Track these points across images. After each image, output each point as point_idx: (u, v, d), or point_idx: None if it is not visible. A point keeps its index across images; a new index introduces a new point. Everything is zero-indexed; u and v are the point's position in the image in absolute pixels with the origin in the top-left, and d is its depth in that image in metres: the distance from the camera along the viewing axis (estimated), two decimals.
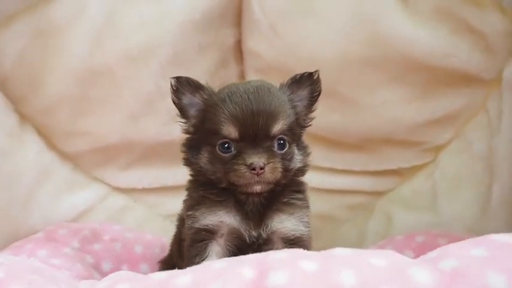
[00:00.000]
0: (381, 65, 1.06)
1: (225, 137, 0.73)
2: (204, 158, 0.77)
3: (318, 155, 1.24)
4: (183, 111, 0.79)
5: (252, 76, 1.19)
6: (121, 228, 1.12)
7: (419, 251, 0.98)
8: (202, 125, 0.76)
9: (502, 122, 1.02)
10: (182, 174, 0.85)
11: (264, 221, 0.76)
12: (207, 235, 0.75)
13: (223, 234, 0.75)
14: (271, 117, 0.73)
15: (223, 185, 0.75)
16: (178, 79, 0.77)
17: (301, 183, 0.81)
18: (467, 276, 0.48)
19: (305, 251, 0.58)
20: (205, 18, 1.10)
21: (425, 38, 1.02)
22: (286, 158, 0.75)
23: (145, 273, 1.00)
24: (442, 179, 1.14)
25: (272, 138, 0.73)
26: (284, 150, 0.75)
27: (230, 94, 0.75)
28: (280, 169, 0.73)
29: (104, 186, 1.21)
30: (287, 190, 0.78)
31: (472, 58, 1.02)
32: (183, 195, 0.84)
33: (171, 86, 0.77)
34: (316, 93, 0.80)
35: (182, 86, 0.77)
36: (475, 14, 1.00)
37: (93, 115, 1.10)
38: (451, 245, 0.58)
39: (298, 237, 0.77)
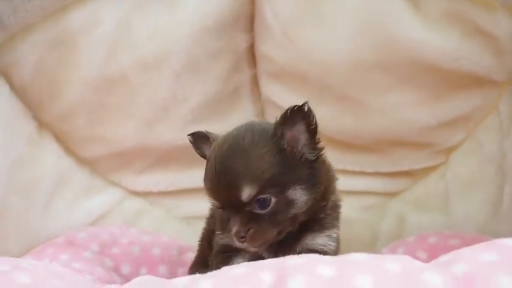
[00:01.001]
0: (391, 68, 1.07)
1: (214, 204, 0.74)
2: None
3: (330, 157, 1.26)
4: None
5: (265, 80, 1.21)
6: (138, 232, 1.14)
7: (431, 252, 0.99)
8: None
9: None
10: (199, 177, 0.85)
11: (288, 250, 0.74)
12: (232, 249, 0.75)
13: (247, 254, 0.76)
14: (236, 185, 0.68)
15: None
16: (193, 135, 0.80)
17: (326, 214, 0.79)
18: (478, 281, 0.50)
19: (322, 256, 0.59)
20: (218, 24, 1.12)
21: (436, 41, 1.03)
22: (279, 211, 0.70)
23: (163, 275, 1.03)
24: (453, 181, 1.15)
25: (248, 203, 0.69)
26: (268, 208, 0.69)
27: (209, 157, 0.73)
28: (267, 229, 0.70)
29: (120, 190, 1.23)
30: (310, 223, 0.75)
31: (482, 60, 1.03)
32: (199, 198, 0.82)
33: (190, 142, 0.80)
34: (313, 126, 0.72)
35: (197, 140, 0.80)
36: (485, 17, 1.00)
37: (109, 121, 1.12)
38: (463, 248, 0.59)
39: (324, 252, 0.75)
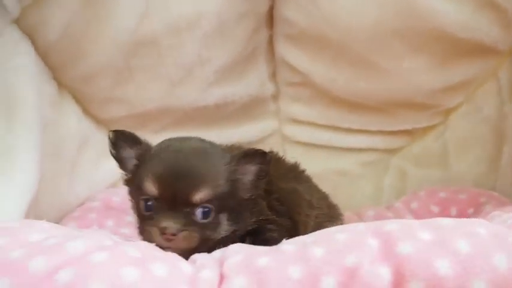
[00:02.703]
0: (409, 36, 1.13)
1: (146, 194, 0.71)
2: (134, 211, 0.76)
3: (337, 117, 1.34)
4: (121, 163, 0.78)
5: (281, 42, 1.23)
6: None
7: (443, 206, 1.11)
8: (134, 178, 0.75)
9: None
10: (210, 136, 0.87)
11: None
12: None
13: None
14: (195, 184, 0.69)
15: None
16: (116, 133, 0.77)
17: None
18: None
19: (416, 221, 0.66)
20: None
21: (452, 12, 1.09)
22: (209, 228, 0.72)
23: None
24: (451, 139, 1.27)
25: (194, 205, 0.70)
26: (207, 219, 0.71)
27: (161, 150, 0.74)
28: (196, 238, 0.70)
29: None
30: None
31: (491, 31, 1.11)
32: None
33: (109, 139, 0.77)
34: (263, 173, 0.75)
35: (120, 140, 0.77)
36: None
37: (133, 83, 1.11)
38: None
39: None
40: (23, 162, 0.85)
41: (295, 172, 0.95)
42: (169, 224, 0.67)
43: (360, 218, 1.16)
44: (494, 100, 1.19)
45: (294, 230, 0.80)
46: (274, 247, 0.66)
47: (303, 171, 0.98)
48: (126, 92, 1.12)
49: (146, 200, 0.71)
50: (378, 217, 1.11)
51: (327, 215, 0.97)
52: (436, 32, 1.12)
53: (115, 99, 1.13)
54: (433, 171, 1.28)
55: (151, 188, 0.70)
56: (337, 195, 1.12)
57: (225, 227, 0.74)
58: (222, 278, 0.61)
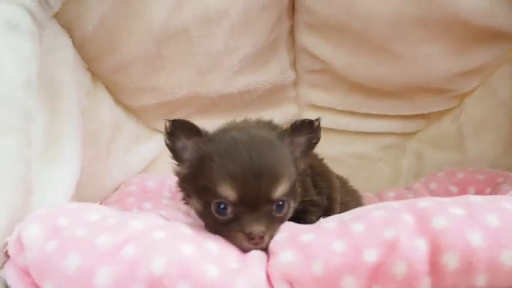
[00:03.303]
0: (430, 23, 1.16)
1: (222, 198, 0.67)
2: (196, 208, 0.74)
3: (356, 102, 1.39)
4: (176, 154, 0.74)
5: (302, 31, 1.27)
6: None
7: (461, 186, 1.15)
8: (197, 174, 0.71)
9: None
10: None
11: None
12: None
13: None
14: (275, 179, 0.67)
15: None
16: (173, 122, 0.72)
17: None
18: None
19: (444, 198, 0.71)
20: None
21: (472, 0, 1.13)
22: (284, 218, 0.72)
23: None
24: (467, 122, 1.31)
25: (273, 201, 0.69)
26: (283, 212, 0.70)
27: (228, 148, 0.69)
28: (276, 232, 0.68)
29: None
30: None
31: (508, 17, 1.15)
32: None
33: (165, 128, 0.72)
34: (315, 141, 0.75)
35: (177, 130, 0.72)
36: None
37: (164, 72, 1.15)
38: None
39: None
40: (68, 150, 0.90)
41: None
42: (255, 228, 0.66)
43: (381, 199, 1.21)
44: (509, 83, 1.23)
45: (329, 208, 0.85)
46: (315, 225, 0.71)
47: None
48: (157, 80, 1.16)
49: (220, 203, 0.68)
50: (399, 198, 1.16)
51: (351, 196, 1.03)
52: (454, 20, 1.16)
53: (146, 88, 1.17)
54: (449, 153, 1.33)
55: (229, 192, 0.67)
56: (357, 178, 1.18)
57: (291, 210, 0.74)
58: (269, 255, 0.66)
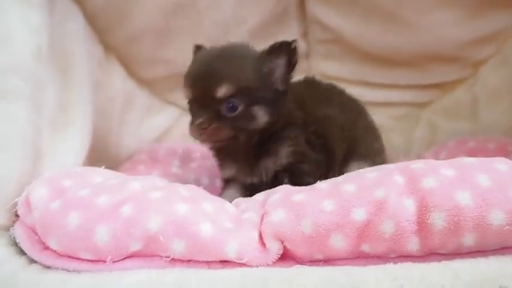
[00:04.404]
0: None
1: (185, 96, 0.82)
2: None
3: (368, 72, 1.38)
4: None
5: (312, 3, 1.27)
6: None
7: (471, 155, 1.12)
8: None
9: None
10: None
11: (255, 168, 0.85)
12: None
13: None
14: (215, 81, 0.76)
15: None
16: (197, 47, 0.88)
17: (285, 133, 0.85)
18: None
19: (437, 161, 0.71)
20: None
21: None
22: (241, 120, 0.78)
23: None
24: (481, 91, 1.29)
25: (219, 101, 0.76)
26: (235, 113, 0.77)
27: (196, 56, 0.82)
28: (227, 130, 0.78)
29: (176, 108, 1.32)
30: (273, 138, 0.84)
31: None
32: None
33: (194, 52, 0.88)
34: (293, 62, 0.81)
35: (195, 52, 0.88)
36: None
37: (174, 43, 1.18)
38: None
39: (290, 164, 0.85)
40: (79, 118, 0.93)
41: (327, 93, 1.00)
42: (200, 119, 0.76)
43: None
44: None
45: (330, 160, 0.88)
46: (309, 186, 0.72)
47: (340, 92, 1.03)
48: (167, 52, 1.19)
49: (188, 102, 0.81)
50: None
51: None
52: None
53: (157, 60, 1.20)
54: (462, 123, 1.31)
55: (185, 90, 0.80)
56: None
57: (261, 119, 0.80)
58: (263, 215, 0.68)
